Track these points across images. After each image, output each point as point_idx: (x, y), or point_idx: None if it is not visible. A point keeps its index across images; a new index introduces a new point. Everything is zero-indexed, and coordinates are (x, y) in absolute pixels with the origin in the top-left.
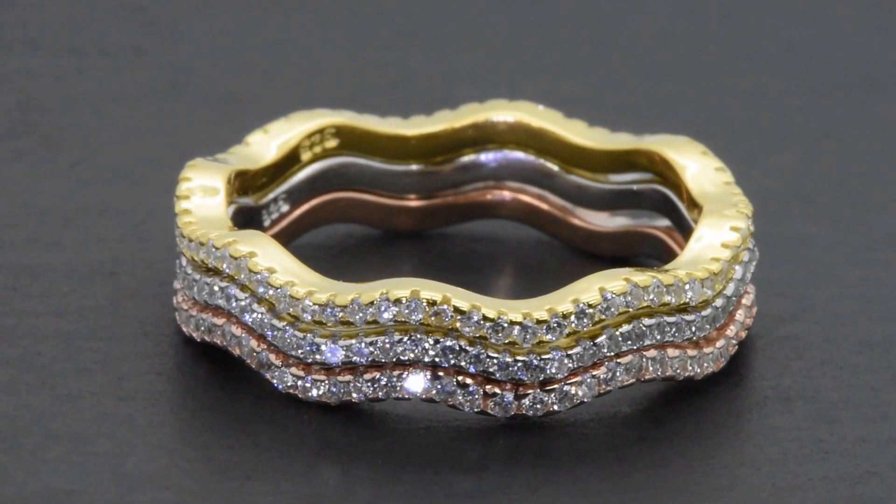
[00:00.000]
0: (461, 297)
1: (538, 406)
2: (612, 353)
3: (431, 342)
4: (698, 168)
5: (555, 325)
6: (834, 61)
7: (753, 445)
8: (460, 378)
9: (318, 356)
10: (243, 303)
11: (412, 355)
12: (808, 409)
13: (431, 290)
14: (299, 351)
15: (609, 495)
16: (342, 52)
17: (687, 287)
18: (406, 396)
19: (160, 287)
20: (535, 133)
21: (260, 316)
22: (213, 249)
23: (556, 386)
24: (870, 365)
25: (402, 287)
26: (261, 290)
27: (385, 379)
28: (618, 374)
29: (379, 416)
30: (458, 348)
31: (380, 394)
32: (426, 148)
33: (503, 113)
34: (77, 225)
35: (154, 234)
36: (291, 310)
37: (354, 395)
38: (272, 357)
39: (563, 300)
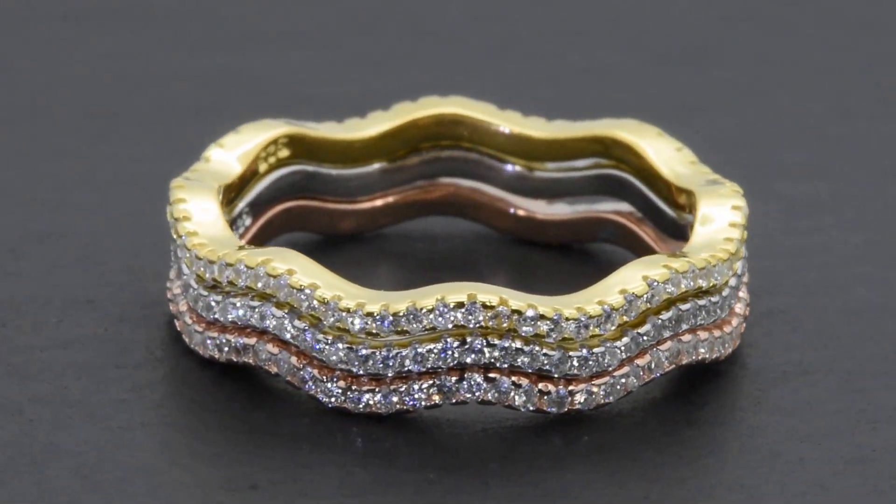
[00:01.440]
0: (516, 298)
1: (590, 399)
2: (654, 341)
3: (489, 344)
4: (661, 150)
5: (606, 318)
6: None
7: (800, 421)
8: (515, 378)
9: (369, 367)
10: (283, 320)
11: (470, 359)
12: (831, 382)
13: (487, 292)
14: (350, 364)
15: (674, 474)
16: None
17: (715, 269)
18: (464, 400)
19: (144, 310)
20: (473, 126)
21: (302, 332)
22: (245, 269)
23: (605, 378)
24: (865, 332)
25: (456, 291)
26: (305, 305)
27: (441, 384)
28: (660, 360)
29: (430, 423)
30: (514, 349)
31: (436, 399)
32: (370, 150)
33: (438, 109)
34: (25, 253)
35: (107, 257)
36: (339, 323)
37: (409, 402)
38: (316, 372)
39: (611, 292)
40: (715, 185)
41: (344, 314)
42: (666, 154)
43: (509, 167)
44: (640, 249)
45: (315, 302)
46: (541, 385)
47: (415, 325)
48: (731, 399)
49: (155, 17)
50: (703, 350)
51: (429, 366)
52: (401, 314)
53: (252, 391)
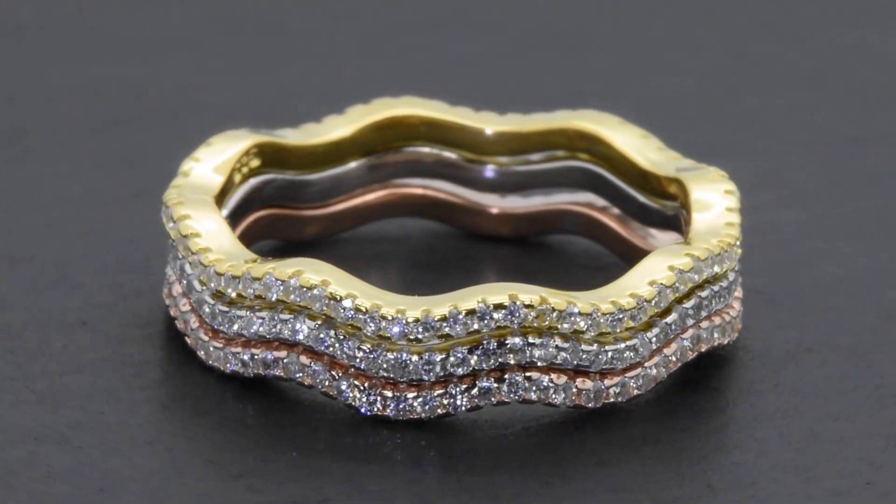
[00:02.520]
0: (555, 296)
1: (624, 392)
2: (680, 330)
3: (529, 343)
4: (628, 139)
5: (638, 310)
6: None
7: (824, 401)
8: (553, 375)
9: (411, 373)
10: (317, 332)
11: (513, 359)
12: (838, 359)
13: (526, 292)
14: (392, 371)
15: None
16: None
17: (725, 255)
18: (505, 400)
19: (142, 329)
20: (431, 125)
21: (339, 342)
22: (276, 281)
23: (638, 370)
24: (847, 306)
25: (496, 292)
26: (343, 316)
27: (482, 386)
28: (685, 349)
29: (470, 425)
30: (554, 346)
31: (478, 402)
32: (332, 155)
33: (392, 110)
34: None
35: (81, 278)
36: (381, 332)
37: (452, 406)
38: (356, 381)
39: (641, 284)
40: (698, 171)
41: (384, 322)
42: (634, 142)
43: (469, 164)
44: (605, 238)
45: (354, 311)
46: (578, 381)
47: (458, 329)
48: (747, 383)
49: (29, 31)
50: (717, 335)
51: (470, 369)
52: (445, 318)
53: (280, 405)
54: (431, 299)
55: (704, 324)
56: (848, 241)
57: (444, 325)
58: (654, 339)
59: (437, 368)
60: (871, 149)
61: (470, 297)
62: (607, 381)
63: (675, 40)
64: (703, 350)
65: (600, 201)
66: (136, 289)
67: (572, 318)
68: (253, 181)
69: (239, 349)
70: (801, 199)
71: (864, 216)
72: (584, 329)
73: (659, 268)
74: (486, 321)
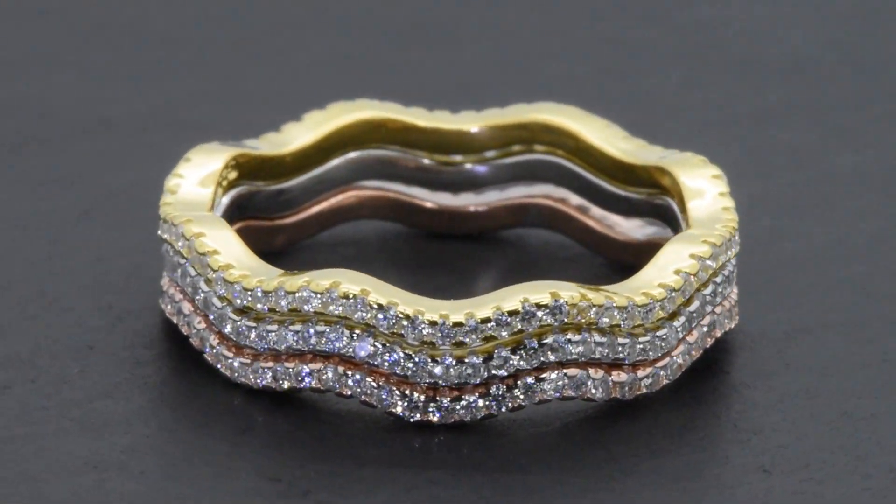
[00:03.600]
0: (593, 291)
1: (655, 382)
2: (700, 317)
3: (569, 340)
4: (594, 130)
5: (668, 300)
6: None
7: (841, 379)
8: (591, 370)
9: (454, 378)
10: (356, 342)
11: (554, 357)
12: (837, 337)
13: (566, 289)
14: (436, 377)
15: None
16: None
17: (732, 241)
18: (547, 398)
19: (151, 350)
20: (391, 127)
21: (381, 349)
22: (315, 295)
23: (666, 360)
24: (821, 282)
25: (537, 291)
26: (383, 324)
27: (524, 385)
28: (704, 336)
29: (510, 425)
30: (593, 341)
31: (521, 402)
32: (299, 163)
33: (350, 115)
34: None
35: (68, 301)
36: (426, 338)
37: (494, 408)
38: (396, 389)
39: (667, 274)
40: (677, 157)
41: (427, 327)
42: (600, 133)
43: (429, 162)
44: (568, 228)
45: (396, 318)
46: (613, 374)
47: (503, 331)
48: (756, 365)
49: None
50: (727, 321)
51: (513, 369)
52: (488, 320)
53: (315, 415)
54: (472, 301)
55: (718, 309)
56: (794, 218)
57: (488, 326)
58: (680, 328)
59: (481, 370)
60: (772, 123)
61: (511, 298)
62: (640, 373)
63: (549, 30)
64: (717, 336)
65: (558, 192)
66: (127, 308)
67: (610, 312)
68: (231, 193)
69: (270, 363)
70: (731, 179)
71: (797, 191)
72: (621, 322)
73: (680, 257)
74: (529, 321)
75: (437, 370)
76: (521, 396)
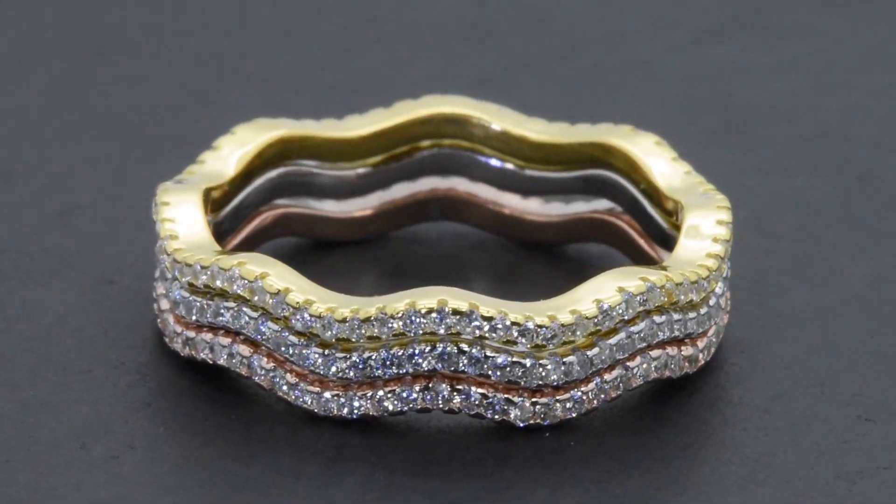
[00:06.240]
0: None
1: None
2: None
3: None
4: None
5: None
6: None
7: (864, 364)
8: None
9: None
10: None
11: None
12: (832, 324)
13: (653, 274)
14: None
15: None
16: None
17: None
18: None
19: (149, 355)
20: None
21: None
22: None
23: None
24: (791, 284)
25: (626, 277)
26: (495, 336)
27: (579, 395)
28: (719, 332)
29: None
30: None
31: (579, 408)
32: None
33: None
34: None
35: (73, 323)
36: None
37: (559, 413)
38: (505, 396)
39: (686, 271)
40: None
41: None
42: (510, 118)
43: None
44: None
45: (507, 328)
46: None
47: (556, 339)
48: (775, 355)
49: None
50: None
51: (566, 380)
52: (545, 326)
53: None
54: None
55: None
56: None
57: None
58: (702, 320)
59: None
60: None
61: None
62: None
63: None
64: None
65: (463, 184)
66: (125, 327)
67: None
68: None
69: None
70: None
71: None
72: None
73: (700, 252)
74: (579, 332)
75: (550, 368)
76: (577, 409)
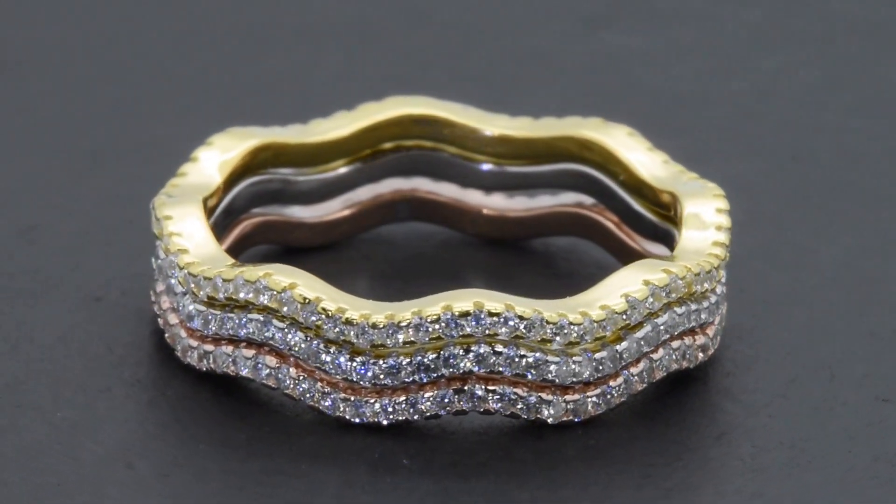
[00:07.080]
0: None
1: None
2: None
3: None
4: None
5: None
6: None
7: (874, 350)
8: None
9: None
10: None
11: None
12: (831, 309)
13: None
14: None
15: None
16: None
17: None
18: (622, 400)
19: (160, 370)
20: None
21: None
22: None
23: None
24: (777, 269)
25: (634, 282)
26: (531, 336)
27: (609, 390)
28: (722, 320)
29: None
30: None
31: (608, 403)
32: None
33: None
34: None
35: (76, 342)
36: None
37: (589, 409)
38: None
39: (699, 261)
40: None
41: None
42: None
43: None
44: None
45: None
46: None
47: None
48: (786, 337)
49: None
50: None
51: (598, 376)
52: (580, 326)
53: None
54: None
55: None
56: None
57: (596, 328)
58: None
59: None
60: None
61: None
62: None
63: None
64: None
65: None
66: (127, 343)
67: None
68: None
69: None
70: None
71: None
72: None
73: (706, 243)
74: (609, 327)
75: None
76: (606, 405)
